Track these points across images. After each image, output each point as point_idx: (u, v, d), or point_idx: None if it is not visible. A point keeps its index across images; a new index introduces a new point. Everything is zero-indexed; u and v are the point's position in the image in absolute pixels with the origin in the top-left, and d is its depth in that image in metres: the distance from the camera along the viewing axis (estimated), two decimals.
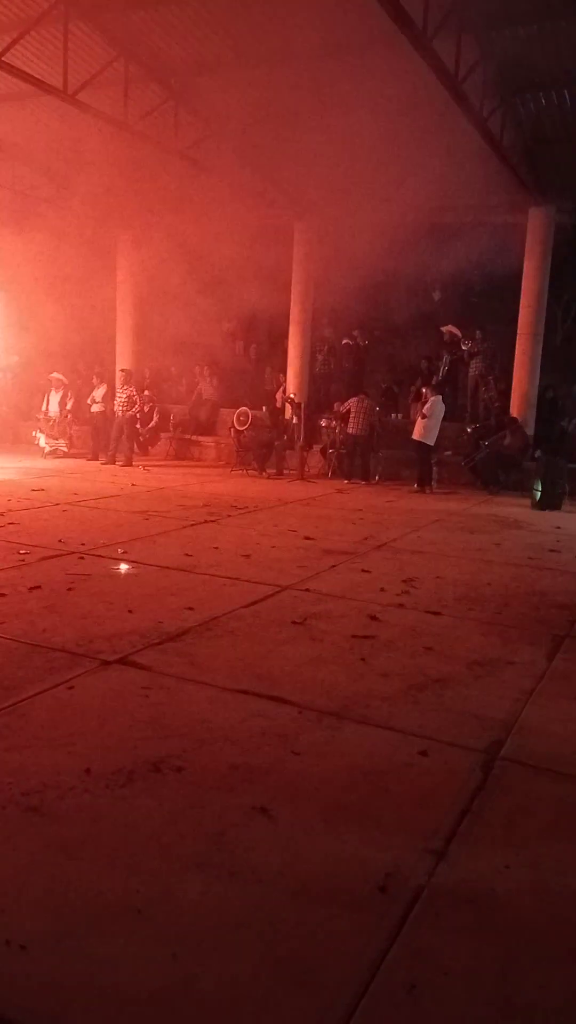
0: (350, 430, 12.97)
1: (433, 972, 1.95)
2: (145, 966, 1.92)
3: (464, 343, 14.45)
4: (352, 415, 12.90)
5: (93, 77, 9.82)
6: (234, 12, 9.13)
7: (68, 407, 15.07)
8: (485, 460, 12.72)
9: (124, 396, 14.09)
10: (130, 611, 4.79)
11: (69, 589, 5.25)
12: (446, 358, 14.65)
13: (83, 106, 10.01)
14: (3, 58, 8.94)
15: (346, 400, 13.20)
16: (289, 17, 8.73)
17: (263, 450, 13.76)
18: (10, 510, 8.22)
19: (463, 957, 2.01)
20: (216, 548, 6.82)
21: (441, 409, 12.19)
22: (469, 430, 13.28)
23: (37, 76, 9.31)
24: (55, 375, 15.46)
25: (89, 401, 14.61)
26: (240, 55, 9.90)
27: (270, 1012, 1.82)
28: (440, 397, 12.30)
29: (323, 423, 13.93)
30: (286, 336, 15.18)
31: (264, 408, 14.37)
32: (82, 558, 6.19)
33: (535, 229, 13.00)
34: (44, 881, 2.22)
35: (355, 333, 15.77)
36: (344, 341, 15.92)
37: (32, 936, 2.00)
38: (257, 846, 2.42)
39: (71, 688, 3.57)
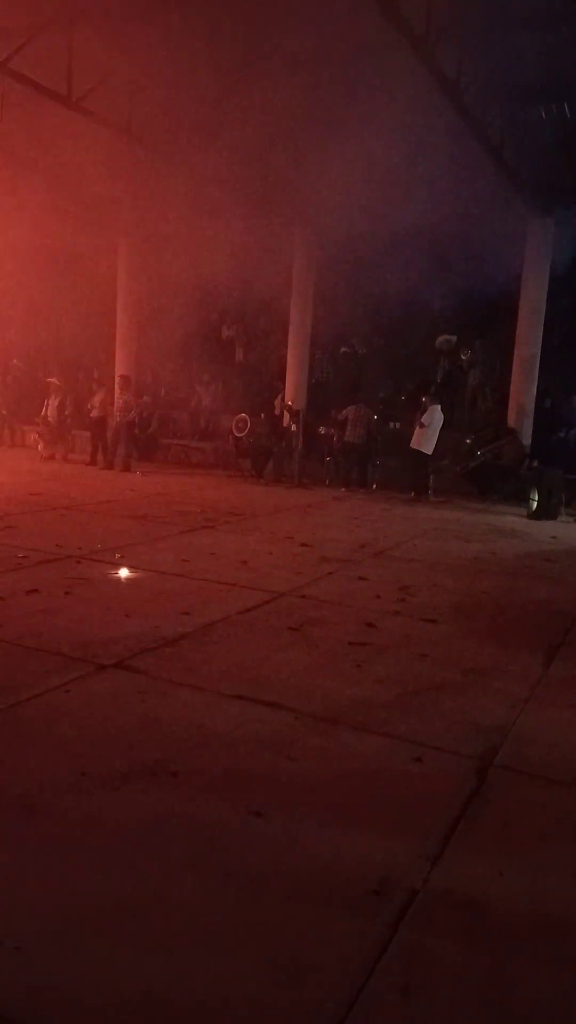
0: (347, 438, 13.00)
1: (426, 975, 1.96)
2: (139, 966, 1.93)
3: (464, 352, 14.52)
4: (350, 423, 12.94)
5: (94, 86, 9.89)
6: (236, 20, 9.19)
7: (67, 412, 15.10)
8: (481, 469, 12.76)
9: (122, 401, 14.12)
10: (127, 615, 4.81)
11: (66, 593, 5.26)
12: (444, 367, 14.71)
13: (88, 113, 10.07)
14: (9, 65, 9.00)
15: (344, 408, 13.24)
16: (291, 26, 8.80)
17: (261, 457, 13.80)
18: (8, 514, 8.22)
19: (456, 961, 2.02)
20: (213, 554, 6.84)
21: (440, 418, 12.24)
22: (468, 441, 13.32)
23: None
24: (53, 380, 15.50)
25: (88, 406, 14.63)
26: (242, 64, 9.97)
27: (264, 1014, 1.83)
28: (439, 406, 12.35)
29: (321, 431, 13.97)
30: (285, 343, 15.24)
31: (262, 415, 14.41)
32: (79, 562, 6.20)
33: (535, 240, 13.08)
34: (40, 882, 2.23)
35: (353, 342, 15.82)
36: (343, 349, 15.98)
37: (27, 936, 2.01)
38: (251, 849, 2.43)
39: (67, 692, 3.58)
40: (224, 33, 9.49)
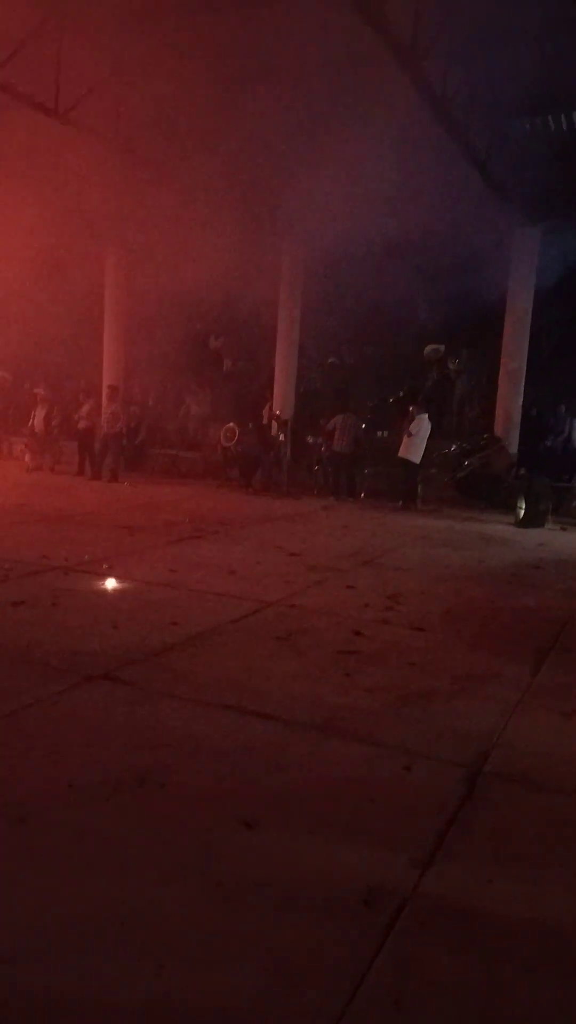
0: (335, 447, 13.03)
1: (418, 985, 1.96)
2: (131, 978, 1.91)
3: (452, 361, 14.61)
4: (337, 432, 12.97)
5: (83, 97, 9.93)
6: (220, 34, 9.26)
7: (54, 423, 15.06)
8: (469, 478, 12.81)
9: (110, 412, 14.09)
10: (114, 626, 4.78)
11: (53, 604, 5.23)
12: (432, 377, 14.80)
13: (75, 124, 10.10)
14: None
15: (332, 418, 13.28)
16: (279, 39, 8.87)
17: (249, 466, 13.80)
18: None
19: (447, 970, 2.02)
20: (201, 564, 6.82)
21: (427, 427, 12.29)
22: (453, 447, 13.38)
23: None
24: (40, 390, 15.46)
25: (76, 417, 14.59)
26: (231, 76, 10.03)
27: None
28: (426, 415, 12.41)
29: (309, 440, 13.99)
30: (273, 353, 15.28)
31: (251, 425, 14.43)
32: (67, 573, 6.17)
33: (520, 250, 13.19)
34: (30, 894, 2.21)
35: (341, 352, 15.88)
36: (330, 360, 16.03)
37: (18, 949, 1.99)
38: (242, 858, 2.42)
39: (55, 703, 3.55)
40: (212, 45, 9.56)
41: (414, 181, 10.86)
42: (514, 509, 11.17)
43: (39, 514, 9.24)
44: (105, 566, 6.52)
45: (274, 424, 14.23)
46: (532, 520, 10.81)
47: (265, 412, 15.03)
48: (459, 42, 8.58)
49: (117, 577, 6.17)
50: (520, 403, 13.60)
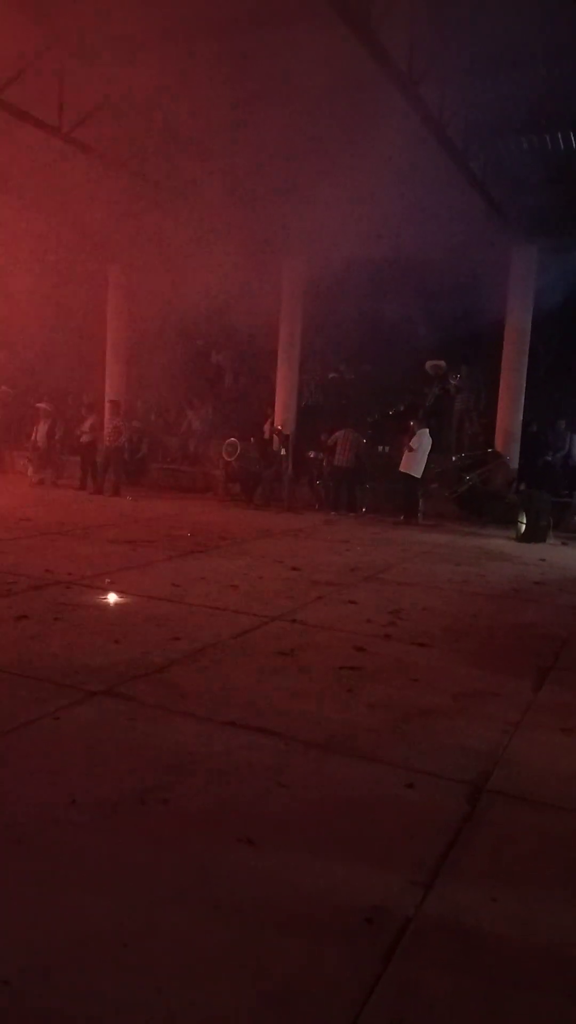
0: (336, 462, 13.06)
1: (420, 1006, 1.95)
2: (130, 1000, 1.90)
3: (453, 377, 14.66)
4: (339, 447, 13.01)
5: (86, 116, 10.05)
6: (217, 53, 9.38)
7: (57, 437, 15.11)
8: (470, 493, 12.83)
9: (112, 426, 14.14)
10: (116, 641, 4.78)
11: (56, 619, 5.23)
12: (433, 392, 14.84)
13: (79, 143, 10.21)
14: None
15: (333, 432, 13.32)
16: (281, 61, 8.99)
17: (251, 481, 13.82)
18: None
19: (450, 990, 2.01)
20: (203, 578, 6.83)
21: (428, 442, 12.33)
22: (454, 459, 13.41)
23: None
24: (43, 405, 15.52)
25: (78, 431, 14.64)
26: (233, 96, 10.15)
27: None
28: (427, 430, 12.45)
29: (311, 455, 14.03)
30: (274, 368, 15.35)
31: (252, 439, 14.46)
32: (69, 588, 6.18)
33: (518, 267, 13.29)
34: (28, 914, 2.20)
35: (341, 367, 15.94)
36: (331, 375, 16.09)
37: (15, 970, 1.98)
38: (243, 878, 2.41)
39: (56, 719, 3.55)
40: (214, 66, 9.68)
41: (413, 200, 10.97)
42: (515, 524, 11.18)
43: (42, 528, 9.25)
44: (107, 580, 6.53)
45: (275, 439, 14.27)
46: (533, 535, 10.82)
47: (266, 427, 15.08)
48: (455, 65, 8.69)
49: (119, 592, 6.18)
50: (520, 418, 13.65)
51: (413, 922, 2.24)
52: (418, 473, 12.26)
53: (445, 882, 2.45)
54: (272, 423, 14.98)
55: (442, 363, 14.75)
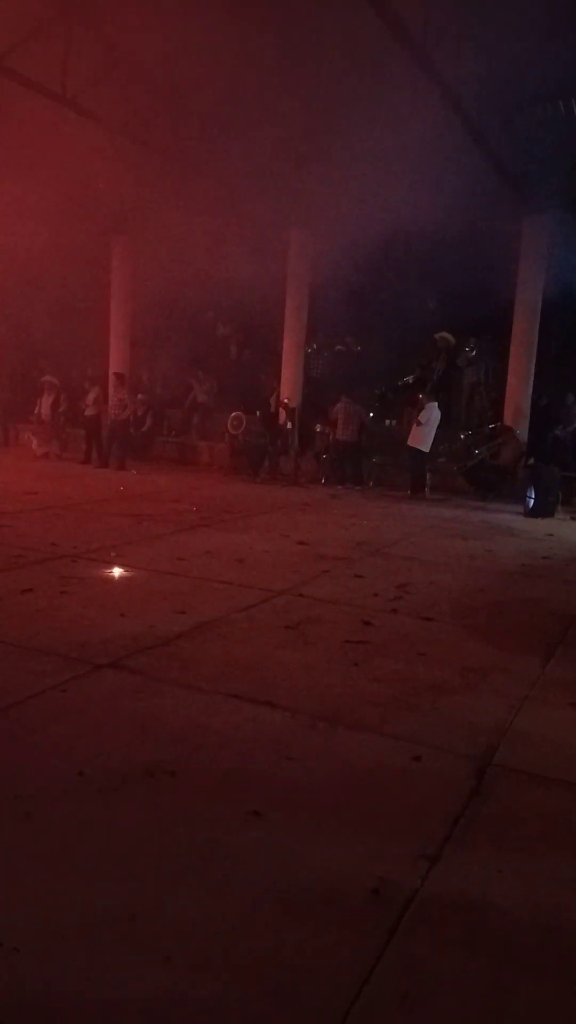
0: (339, 436, 12.97)
1: (425, 981, 1.95)
2: (138, 974, 1.91)
3: (468, 348, 14.47)
4: (341, 420, 12.89)
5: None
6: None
7: (61, 410, 15.04)
8: (479, 467, 12.75)
9: (117, 400, 14.07)
10: (122, 615, 4.78)
11: (62, 592, 5.23)
12: (441, 365, 14.68)
13: (83, 110, 10.03)
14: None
15: (335, 405, 13.21)
16: (292, 27, 8.77)
17: (257, 455, 13.76)
18: (3, 513, 8.18)
19: (455, 966, 2.00)
20: (209, 552, 6.81)
21: (437, 416, 12.22)
22: (463, 436, 13.31)
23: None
24: (47, 378, 15.43)
25: (82, 405, 14.57)
26: (241, 64, 9.94)
27: (262, 1021, 1.81)
28: (436, 404, 12.33)
29: (317, 428, 13.94)
30: (281, 341, 15.21)
31: (258, 413, 14.38)
32: (75, 561, 6.17)
33: (530, 238, 13.05)
34: (37, 887, 2.21)
35: (348, 340, 15.78)
36: (337, 347, 15.93)
37: (24, 941, 1.98)
38: (250, 852, 2.41)
39: (64, 692, 3.55)
40: (221, 33, 9.45)
41: (423, 169, 10.75)
42: (523, 499, 11.12)
43: (47, 502, 9.24)
44: (113, 554, 6.52)
45: (281, 412, 14.18)
46: (541, 510, 10.76)
47: (272, 400, 14.98)
48: (469, 30, 8.47)
49: (125, 565, 6.17)
50: (530, 393, 13.50)
51: (419, 896, 2.24)
52: (426, 447, 12.18)
53: (451, 856, 2.45)
54: (278, 396, 14.88)
55: (451, 337, 14.57)
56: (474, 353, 14.30)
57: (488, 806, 2.79)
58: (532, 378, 13.43)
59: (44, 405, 14.96)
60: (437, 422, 12.22)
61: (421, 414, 12.13)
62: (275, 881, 2.28)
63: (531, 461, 12.54)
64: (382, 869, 2.35)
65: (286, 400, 14.39)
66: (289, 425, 13.63)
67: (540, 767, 3.11)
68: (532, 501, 10.88)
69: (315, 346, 15.86)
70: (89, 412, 14.29)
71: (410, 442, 12.22)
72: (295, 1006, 1.85)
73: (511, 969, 2.01)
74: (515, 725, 3.49)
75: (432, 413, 12.14)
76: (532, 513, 10.77)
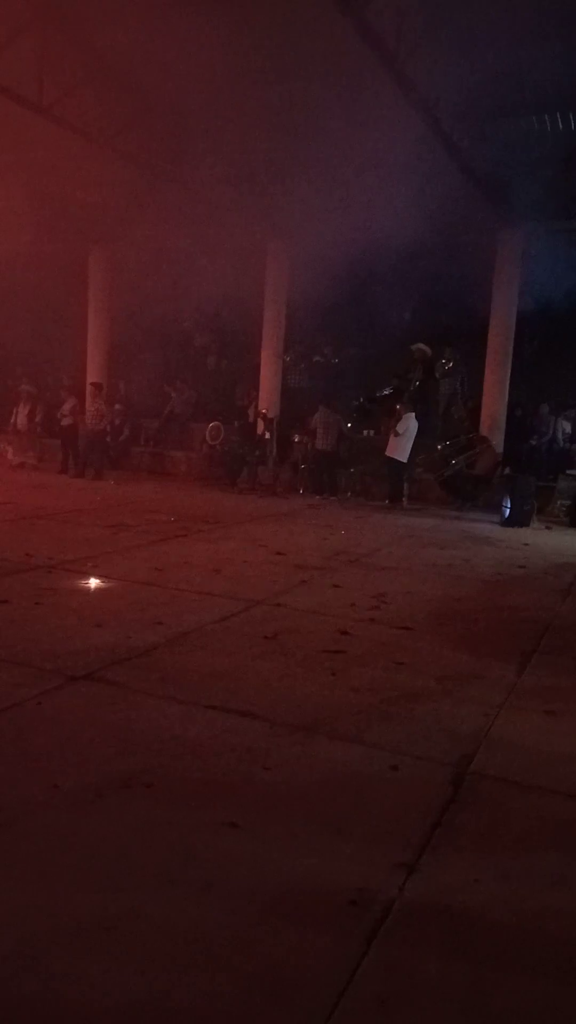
0: (318, 445, 13.02)
1: (404, 985, 1.95)
2: (114, 984, 1.89)
3: (445, 360, 14.59)
4: (319, 430, 12.94)
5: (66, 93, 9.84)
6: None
7: (37, 419, 14.94)
8: (455, 477, 12.85)
9: (94, 409, 14.00)
10: (99, 626, 4.74)
11: (36, 603, 5.18)
12: (418, 375, 14.78)
13: (58, 118, 10.02)
14: None
15: (314, 415, 13.26)
16: (268, 38, 8.83)
17: (235, 465, 13.76)
18: None
19: (434, 970, 2.01)
20: (187, 563, 6.79)
21: (414, 426, 12.31)
22: (439, 447, 13.41)
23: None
24: (24, 387, 15.32)
25: (59, 414, 14.48)
26: (217, 75, 9.98)
27: None
28: (413, 414, 12.42)
29: (295, 439, 13.97)
30: (259, 351, 15.24)
31: (236, 423, 14.38)
32: (50, 572, 6.12)
33: (505, 251, 13.23)
34: (11, 899, 2.18)
35: (326, 350, 15.84)
36: (315, 358, 16.00)
37: (1, 954, 1.96)
38: (228, 861, 2.40)
39: (39, 704, 3.51)
40: (198, 43, 9.50)
41: (400, 181, 10.86)
42: (500, 508, 11.22)
43: (22, 512, 9.16)
44: (89, 565, 6.47)
45: (260, 422, 14.19)
46: (517, 519, 10.86)
47: (250, 410, 14.99)
48: (443, 43, 8.58)
49: (101, 576, 6.12)
50: (505, 403, 13.65)
51: (397, 903, 2.25)
52: (404, 457, 12.25)
53: (429, 863, 2.45)
54: (256, 406, 14.90)
55: (427, 348, 14.68)
56: (450, 365, 14.41)
57: (465, 813, 2.80)
58: (507, 389, 13.59)
59: (20, 414, 14.85)
60: (415, 432, 12.31)
61: (399, 424, 12.21)
62: (253, 889, 2.27)
63: (507, 471, 12.67)
64: (361, 877, 2.35)
65: (264, 410, 14.42)
66: (267, 435, 13.65)
67: (517, 774, 3.12)
68: (508, 510, 10.98)
69: (292, 356, 15.89)
70: (66, 422, 14.21)
71: (388, 452, 12.29)
72: (275, 1012, 1.84)
73: (490, 971, 2.01)
74: (492, 732, 3.51)
75: (409, 423, 12.23)
76: (508, 522, 10.87)
